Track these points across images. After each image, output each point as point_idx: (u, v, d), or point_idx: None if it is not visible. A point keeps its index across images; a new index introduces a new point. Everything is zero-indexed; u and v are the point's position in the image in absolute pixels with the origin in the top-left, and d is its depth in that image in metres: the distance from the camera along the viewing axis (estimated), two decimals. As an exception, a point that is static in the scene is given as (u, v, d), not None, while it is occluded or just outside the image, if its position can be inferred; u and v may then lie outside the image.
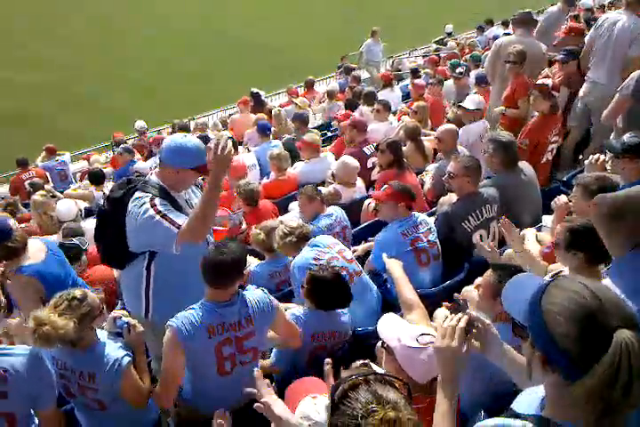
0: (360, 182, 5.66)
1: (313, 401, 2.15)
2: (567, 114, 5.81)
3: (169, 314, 2.81)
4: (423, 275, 3.82)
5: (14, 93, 18.19)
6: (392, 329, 2.13)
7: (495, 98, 6.31)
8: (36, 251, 3.60)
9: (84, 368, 2.65)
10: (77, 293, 2.62)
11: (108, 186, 8.31)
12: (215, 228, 3.45)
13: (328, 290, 3.15)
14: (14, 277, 3.51)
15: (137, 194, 3.10)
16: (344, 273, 3.62)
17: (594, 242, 2.49)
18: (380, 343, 2.48)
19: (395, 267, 2.96)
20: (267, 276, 4.21)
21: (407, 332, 2.07)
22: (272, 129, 8.21)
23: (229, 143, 2.83)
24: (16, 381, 2.43)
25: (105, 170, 9.84)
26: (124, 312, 3.02)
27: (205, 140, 7.19)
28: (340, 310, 3.27)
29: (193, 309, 2.71)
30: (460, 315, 1.77)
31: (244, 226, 4.87)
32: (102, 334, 2.77)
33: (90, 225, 5.19)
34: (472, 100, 5.86)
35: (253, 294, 2.87)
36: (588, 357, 1.19)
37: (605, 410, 1.19)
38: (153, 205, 3.01)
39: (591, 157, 3.90)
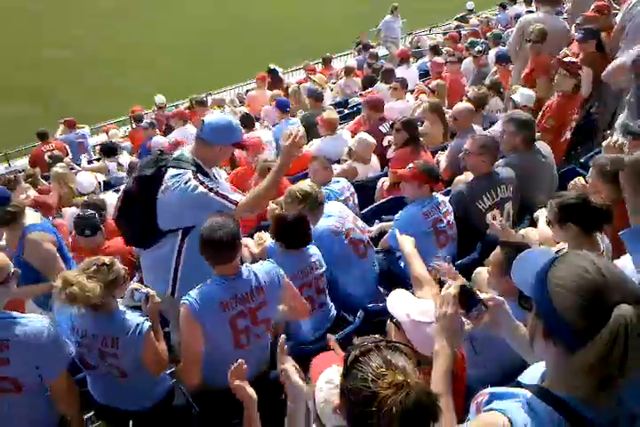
0: (375, 160, 5.68)
1: (338, 368, 2.21)
2: (593, 95, 5.75)
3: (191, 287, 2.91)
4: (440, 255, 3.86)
5: (35, 69, 18.25)
6: (401, 304, 2.18)
7: (517, 76, 6.26)
8: (33, 217, 3.81)
9: (107, 333, 2.72)
10: (106, 259, 2.71)
11: (122, 158, 8.41)
12: None
13: (292, 230, 3.36)
14: (27, 241, 3.64)
15: (173, 171, 3.15)
16: (361, 246, 3.72)
17: (584, 212, 2.72)
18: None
19: (406, 242, 2.96)
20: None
21: (416, 307, 2.11)
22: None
23: (302, 131, 3.19)
24: (18, 348, 2.47)
25: (123, 144, 9.94)
26: (141, 284, 3.08)
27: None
28: (306, 247, 3.45)
29: (204, 285, 2.76)
30: (453, 283, 1.85)
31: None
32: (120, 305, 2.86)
33: (109, 198, 5.29)
34: (522, 95, 5.56)
35: (262, 264, 2.94)
36: (588, 330, 1.23)
37: (601, 382, 1.23)
38: (201, 182, 3.09)
39: (609, 138, 3.88)
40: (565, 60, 5.19)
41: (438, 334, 1.81)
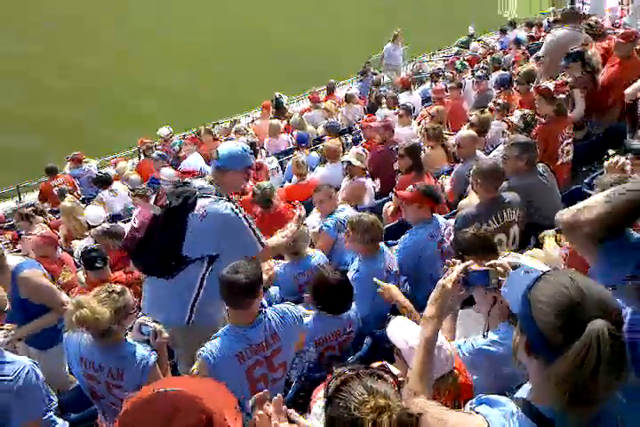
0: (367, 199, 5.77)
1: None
2: (591, 116, 5.80)
3: (212, 319, 3.09)
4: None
5: (45, 99, 18.60)
6: (400, 331, 2.19)
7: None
8: (15, 258, 3.86)
9: (112, 365, 2.73)
10: (118, 287, 2.75)
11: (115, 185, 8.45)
12: None
13: (334, 295, 3.19)
14: (21, 280, 3.64)
15: (207, 199, 3.25)
16: None
17: None
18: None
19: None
20: (291, 277, 4.28)
21: (414, 333, 2.11)
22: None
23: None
24: None
25: (132, 176, 10.04)
26: (149, 318, 3.05)
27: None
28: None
29: (220, 336, 2.76)
30: (464, 264, 1.93)
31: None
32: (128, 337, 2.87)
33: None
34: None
35: (277, 308, 2.93)
36: (564, 343, 1.29)
37: (574, 394, 1.27)
38: (239, 211, 3.26)
39: (610, 159, 3.90)
40: (541, 85, 5.26)
41: (431, 302, 1.88)
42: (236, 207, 3.27)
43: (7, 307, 2.65)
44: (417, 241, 3.95)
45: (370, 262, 3.71)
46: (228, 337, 2.74)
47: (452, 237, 3.97)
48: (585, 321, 1.28)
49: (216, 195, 3.29)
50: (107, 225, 5.30)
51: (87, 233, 6.00)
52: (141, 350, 2.77)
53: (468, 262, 1.88)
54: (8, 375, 2.48)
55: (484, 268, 1.93)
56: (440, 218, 4.13)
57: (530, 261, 2.93)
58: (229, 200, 3.31)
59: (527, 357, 1.41)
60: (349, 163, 5.72)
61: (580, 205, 1.91)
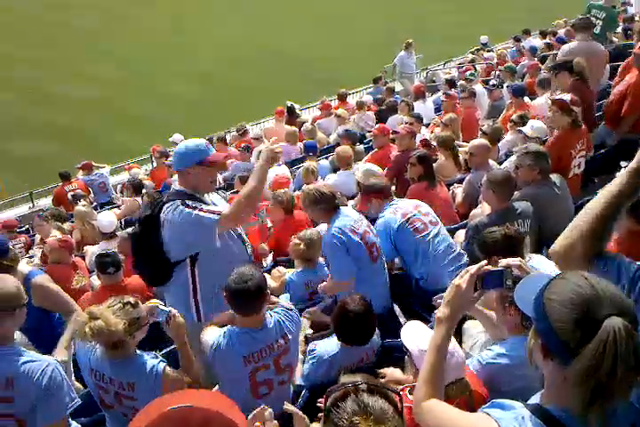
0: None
1: None
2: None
3: (213, 309, 3.13)
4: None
5: (58, 107, 18.82)
6: (412, 335, 2.18)
7: None
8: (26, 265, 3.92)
9: (123, 378, 2.70)
10: (131, 299, 2.72)
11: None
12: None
13: (357, 326, 3.05)
14: (34, 286, 3.62)
15: (165, 205, 3.27)
16: (374, 249, 3.83)
17: None
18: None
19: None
20: (302, 285, 4.29)
21: (426, 337, 2.10)
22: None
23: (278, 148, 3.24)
24: (22, 387, 2.44)
25: (145, 182, 10.12)
26: (161, 302, 3.04)
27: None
28: None
29: (231, 335, 2.77)
30: (479, 264, 1.84)
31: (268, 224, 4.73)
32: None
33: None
34: (532, 127, 5.63)
35: (281, 310, 2.93)
36: (580, 342, 1.28)
37: (593, 394, 1.26)
38: (186, 205, 3.21)
39: (622, 170, 3.87)
40: (556, 97, 5.23)
41: (445, 302, 1.83)
42: (182, 203, 3.21)
43: (24, 299, 2.64)
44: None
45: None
46: (238, 338, 2.76)
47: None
48: (600, 319, 1.27)
49: (184, 195, 3.30)
50: (129, 230, 5.37)
51: (100, 238, 6.04)
52: (150, 360, 2.74)
53: (482, 262, 1.83)
54: (34, 374, 2.46)
55: (500, 267, 1.87)
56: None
57: (550, 265, 2.93)
58: (188, 198, 3.27)
59: (543, 359, 1.40)
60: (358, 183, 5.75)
61: (562, 234, 1.90)
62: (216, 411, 1.21)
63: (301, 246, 4.29)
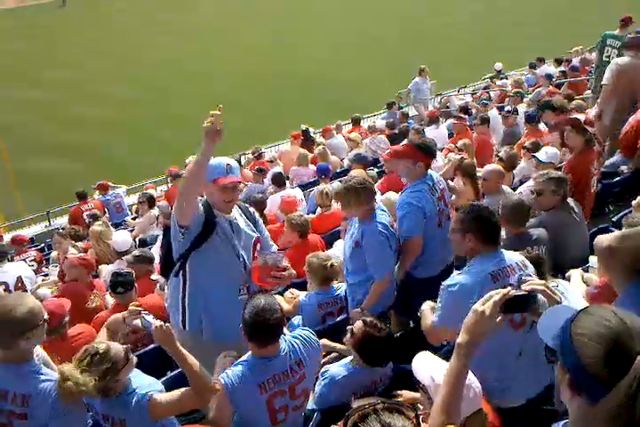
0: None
1: None
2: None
3: (199, 321, 3.24)
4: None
5: (78, 126, 19.12)
6: (425, 367, 2.16)
7: (611, 113, 6.47)
8: None
9: (114, 414, 2.72)
10: (101, 347, 2.67)
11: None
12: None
13: (382, 350, 3.10)
14: None
15: None
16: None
17: None
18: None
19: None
20: (316, 307, 4.26)
21: (441, 369, 2.08)
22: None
23: (219, 116, 3.09)
24: (36, 405, 2.46)
25: (160, 203, 10.21)
26: (139, 308, 3.06)
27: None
28: None
29: (243, 365, 2.74)
30: (504, 290, 1.81)
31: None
32: (134, 375, 2.82)
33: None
34: (546, 153, 5.66)
35: (299, 335, 2.92)
36: (611, 378, 1.24)
37: None
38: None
39: (639, 197, 3.87)
40: (572, 117, 5.29)
41: (465, 328, 1.78)
42: None
43: (45, 316, 2.66)
44: (419, 197, 3.99)
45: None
46: (250, 367, 2.72)
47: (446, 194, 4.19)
48: (631, 355, 1.24)
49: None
50: (137, 252, 5.39)
51: (115, 258, 6.08)
52: (138, 395, 2.69)
53: (506, 289, 1.80)
54: (48, 393, 2.47)
55: (524, 292, 1.84)
56: (434, 173, 4.20)
57: (572, 289, 2.93)
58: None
59: (570, 394, 1.36)
60: None
61: (625, 231, 1.88)
62: None
63: (329, 263, 4.25)
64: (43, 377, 2.54)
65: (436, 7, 34.89)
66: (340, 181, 3.79)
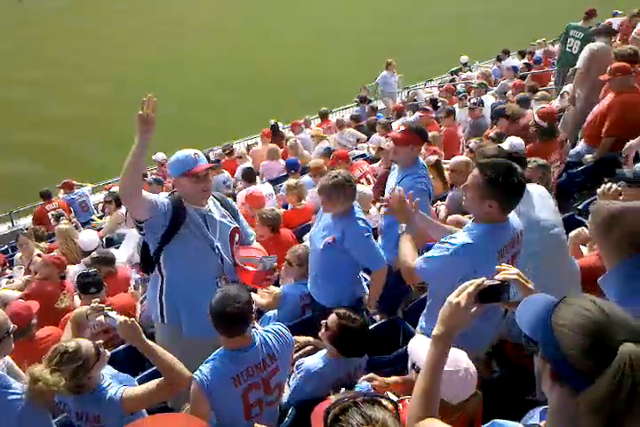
0: (374, 211, 5.72)
1: None
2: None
3: (178, 315, 3.28)
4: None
5: (42, 126, 18.70)
6: (422, 349, 2.16)
7: (583, 97, 6.77)
8: None
9: (88, 410, 2.70)
10: (71, 345, 2.64)
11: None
12: (245, 267, 3.53)
13: (358, 340, 3.11)
14: None
15: None
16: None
17: None
18: (409, 364, 2.52)
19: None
20: (298, 297, 4.25)
21: None
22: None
23: (154, 104, 2.98)
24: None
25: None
26: (102, 305, 3.03)
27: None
28: None
29: (215, 359, 2.73)
30: (478, 281, 1.80)
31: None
32: (106, 371, 2.81)
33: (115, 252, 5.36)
34: (511, 143, 5.64)
35: (272, 329, 2.93)
36: (594, 369, 1.23)
37: (609, 424, 1.21)
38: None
39: (603, 185, 3.94)
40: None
41: (440, 320, 1.76)
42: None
43: (10, 326, 2.63)
44: (426, 182, 4.08)
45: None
46: (222, 361, 2.71)
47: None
48: (613, 345, 1.23)
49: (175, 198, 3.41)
50: (95, 253, 5.32)
51: (81, 257, 5.97)
52: (110, 390, 2.69)
53: (479, 280, 1.78)
54: (6, 408, 2.40)
55: (496, 281, 1.83)
56: (420, 159, 4.28)
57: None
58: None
59: (551, 384, 1.34)
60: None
61: (629, 203, 1.87)
62: None
63: (295, 266, 4.28)
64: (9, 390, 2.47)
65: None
66: (327, 177, 3.74)
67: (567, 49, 9.73)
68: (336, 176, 3.71)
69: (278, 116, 12.28)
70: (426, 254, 2.79)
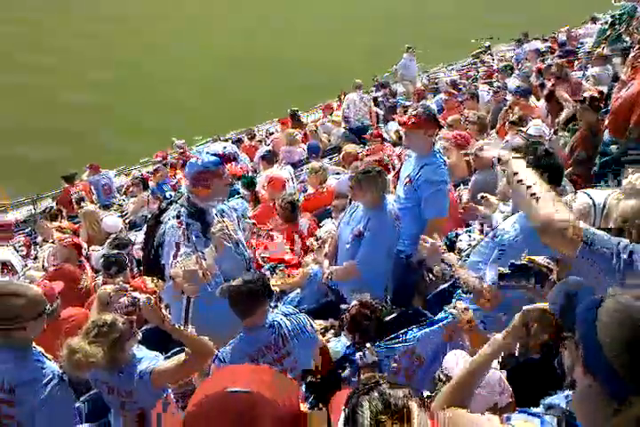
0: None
1: None
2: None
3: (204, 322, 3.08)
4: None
5: (62, 112, 18.85)
6: (459, 364, 2.17)
7: None
8: None
9: (120, 386, 2.76)
10: (108, 318, 2.70)
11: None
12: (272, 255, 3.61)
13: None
14: None
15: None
16: None
17: None
18: (437, 374, 2.46)
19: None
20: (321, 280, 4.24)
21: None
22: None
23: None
24: (22, 395, 2.42)
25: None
26: (125, 286, 3.05)
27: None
28: None
29: (235, 341, 2.89)
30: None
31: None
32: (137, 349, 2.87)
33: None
34: (535, 127, 5.68)
35: (293, 317, 2.98)
36: (630, 366, 1.18)
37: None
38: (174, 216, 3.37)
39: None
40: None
41: (509, 332, 1.76)
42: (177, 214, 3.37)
43: (47, 305, 2.67)
44: (443, 173, 4.01)
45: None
46: (240, 339, 2.89)
47: None
48: None
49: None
50: (112, 238, 5.41)
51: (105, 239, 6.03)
52: (141, 366, 2.74)
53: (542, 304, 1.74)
54: (36, 385, 2.43)
55: (523, 262, 1.85)
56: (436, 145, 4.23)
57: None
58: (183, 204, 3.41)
59: (583, 374, 1.28)
60: None
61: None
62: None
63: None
64: (35, 366, 2.50)
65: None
66: (357, 167, 3.78)
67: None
68: (369, 167, 3.81)
69: (293, 104, 12.21)
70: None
